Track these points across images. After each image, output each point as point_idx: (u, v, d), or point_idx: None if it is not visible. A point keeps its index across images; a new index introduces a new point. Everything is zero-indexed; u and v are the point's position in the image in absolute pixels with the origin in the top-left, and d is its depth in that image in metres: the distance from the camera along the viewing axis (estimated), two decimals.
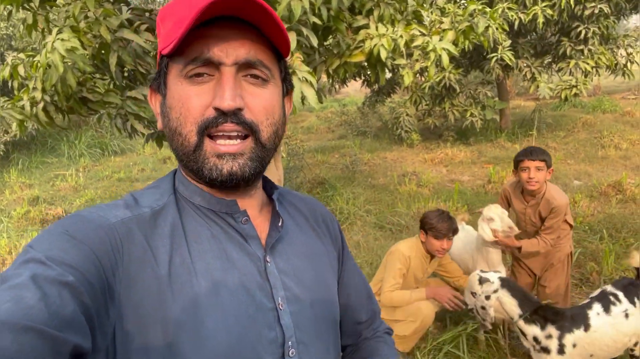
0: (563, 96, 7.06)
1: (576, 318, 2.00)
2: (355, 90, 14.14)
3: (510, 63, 6.85)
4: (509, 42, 6.86)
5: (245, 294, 0.63)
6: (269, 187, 0.77)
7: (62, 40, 2.81)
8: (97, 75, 3.71)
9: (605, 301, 2.01)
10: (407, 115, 8.62)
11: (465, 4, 3.57)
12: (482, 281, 2.18)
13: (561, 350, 1.97)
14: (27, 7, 3.12)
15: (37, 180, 8.02)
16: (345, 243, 0.87)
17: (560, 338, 1.98)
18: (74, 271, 0.51)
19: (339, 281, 0.84)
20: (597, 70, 7.36)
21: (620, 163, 6.65)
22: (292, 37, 2.83)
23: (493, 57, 6.67)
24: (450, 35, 3.53)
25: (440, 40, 3.40)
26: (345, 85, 10.84)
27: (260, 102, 0.63)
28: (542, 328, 2.01)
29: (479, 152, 7.80)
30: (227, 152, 0.61)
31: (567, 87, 7.02)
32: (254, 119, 0.62)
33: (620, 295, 2.03)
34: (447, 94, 7.94)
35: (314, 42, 2.90)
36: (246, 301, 0.63)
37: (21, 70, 3.04)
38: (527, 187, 2.54)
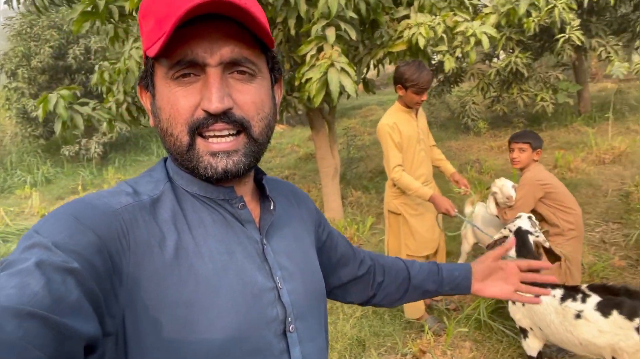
0: None
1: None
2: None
3: (580, 44, 6.53)
4: (578, 21, 6.54)
5: (248, 275, 0.67)
6: (255, 173, 0.79)
7: (137, 48, 3.29)
8: None
9: (569, 293, 2.00)
10: (474, 103, 8.48)
11: None
12: (514, 221, 2.36)
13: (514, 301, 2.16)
14: (110, 21, 3.66)
15: (131, 176, 9.01)
16: (321, 214, 0.95)
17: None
18: (80, 257, 0.52)
19: (329, 245, 0.93)
20: None
21: None
22: (332, 32, 3.08)
23: (561, 37, 6.41)
24: (493, 18, 3.57)
25: (482, 24, 3.46)
26: None
27: (249, 97, 0.64)
28: None
29: (550, 138, 7.50)
30: (221, 149, 0.63)
31: None
32: (245, 115, 0.64)
33: (591, 298, 1.93)
34: (515, 79, 7.71)
35: (353, 35, 3.12)
36: (250, 282, 0.66)
37: (106, 76, 3.58)
38: (512, 165, 2.74)
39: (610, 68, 6.94)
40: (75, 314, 0.47)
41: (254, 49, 0.65)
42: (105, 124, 4.01)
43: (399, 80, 2.58)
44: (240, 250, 0.68)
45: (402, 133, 2.61)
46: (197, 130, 0.62)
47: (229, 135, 0.64)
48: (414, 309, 2.84)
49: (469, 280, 1.02)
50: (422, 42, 3.26)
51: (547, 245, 2.23)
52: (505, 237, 2.34)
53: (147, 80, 0.67)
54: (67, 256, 0.50)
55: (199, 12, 0.58)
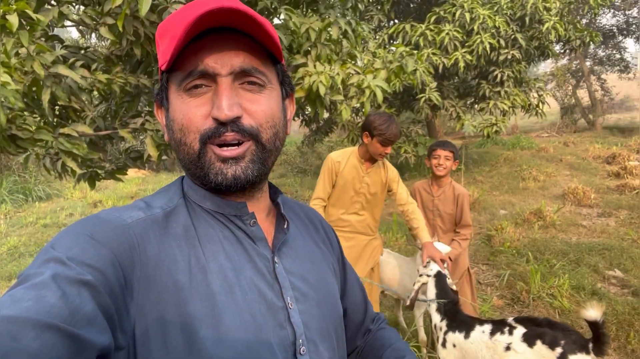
0: (485, 133, 7.63)
1: (463, 324, 2.18)
2: (294, 131, 14.44)
3: (437, 103, 7.36)
4: (435, 84, 7.39)
5: (257, 293, 0.65)
6: (272, 192, 0.79)
7: (6, 72, 2.71)
8: (27, 113, 3.57)
9: (497, 327, 2.08)
10: None
11: (394, 49, 3.89)
12: (427, 264, 2.43)
13: (444, 344, 2.21)
14: None
15: None
16: (342, 250, 0.91)
17: (445, 333, 2.22)
18: (93, 270, 0.52)
19: (344, 290, 0.88)
20: (513, 110, 8.06)
21: (540, 193, 7.22)
22: None
23: (422, 97, 7.14)
24: (383, 74, 3.78)
25: (374, 78, 3.62)
26: None
27: (258, 106, 0.65)
28: (442, 319, 2.25)
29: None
30: (230, 155, 0.63)
31: (488, 124, 7.61)
32: (254, 124, 0.64)
33: (517, 329, 2.01)
34: None
35: None
36: (259, 300, 0.65)
37: None
38: (435, 172, 2.79)
39: (460, 126, 7.92)
40: (90, 326, 0.48)
41: (264, 61, 0.67)
42: None
43: (367, 127, 2.53)
44: (250, 268, 0.67)
45: (340, 175, 2.60)
46: (209, 139, 0.63)
47: (237, 143, 0.64)
48: None
49: None
50: (322, 90, 3.27)
51: (454, 288, 2.36)
52: (425, 284, 2.35)
53: (161, 95, 0.69)
54: (82, 269, 0.51)
55: (211, 23, 0.60)
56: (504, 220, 5.71)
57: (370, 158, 2.67)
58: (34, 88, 3.29)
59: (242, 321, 0.61)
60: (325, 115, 3.73)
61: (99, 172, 4.61)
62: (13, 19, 2.63)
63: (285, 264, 0.72)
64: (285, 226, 0.74)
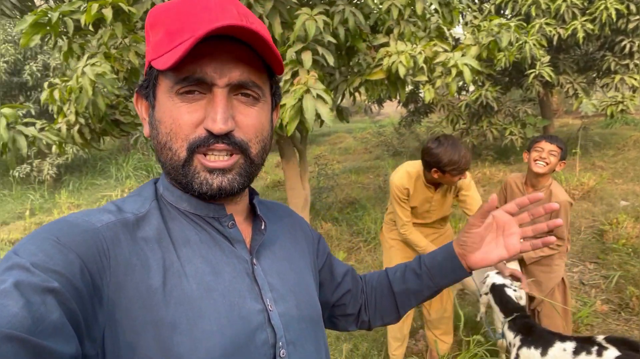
0: (609, 112, 6.71)
1: (541, 339, 1.91)
2: (394, 111, 14.10)
3: (550, 80, 6.63)
4: (548, 57, 6.65)
5: (236, 296, 0.64)
6: (249, 193, 0.79)
7: (92, 65, 2.98)
8: (132, 99, 3.90)
9: (583, 345, 1.78)
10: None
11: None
12: (484, 280, 2.26)
13: None
14: (64, 35, 3.34)
15: (84, 201, 8.45)
16: (322, 239, 0.93)
17: (518, 348, 1.97)
18: (59, 277, 0.50)
19: (332, 267, 0.92)
20: None
21: None
22: (308, 56, 2.87)
23: (531, 73, 6.48)
24: (474, 50, 3.46)
25: (463, 56, 3.34)
26: (381, 106, 10.83)
27: (250, 121, 0.64)
28: (515, 335, 2.02)
29: (519, 171, 7.51)
30: (217, 167, 0.62)
31: (613, 103, 6.68)
32: (244, 138, 0.64)
33: (609, 351, 1.70)
34: (485, 112, 7.75)
35: (330, 60, 2.93)
36: (238, 303, 0.63)
37: (57, 94, 3.24)
38: (533, 168, 2.30)
39: (578, 105, 7.07)
40: (55, 335, 0.46)
41: (261, 74, 0.66)
42: (54, 147, 3.65)
43: (433, 164, 2.22)
44: (229, 271, 0.65)
45: (410, 200, 2.47)
46: (197, 148, 0.62)
47: (227, 154, 0.63)
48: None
49: (454, 258, 0.89)
50: (402, 71, 3.09)
51: (523, 302, 2.15)
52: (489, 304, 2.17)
53: (148, 91, 0.66)
54: (47, 276, 0.49)
55: (217, 33, 0.58)
56: (623, 212, 5.01)
57: (441, 184, 2.43)
58: (134, 77, 3.55)
59: (219, 326, 0.60)
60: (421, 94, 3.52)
61: None
62: (108, 12, 2.84)
63: (263, 266, 0.71)
64: (262, 227, 0.73)
